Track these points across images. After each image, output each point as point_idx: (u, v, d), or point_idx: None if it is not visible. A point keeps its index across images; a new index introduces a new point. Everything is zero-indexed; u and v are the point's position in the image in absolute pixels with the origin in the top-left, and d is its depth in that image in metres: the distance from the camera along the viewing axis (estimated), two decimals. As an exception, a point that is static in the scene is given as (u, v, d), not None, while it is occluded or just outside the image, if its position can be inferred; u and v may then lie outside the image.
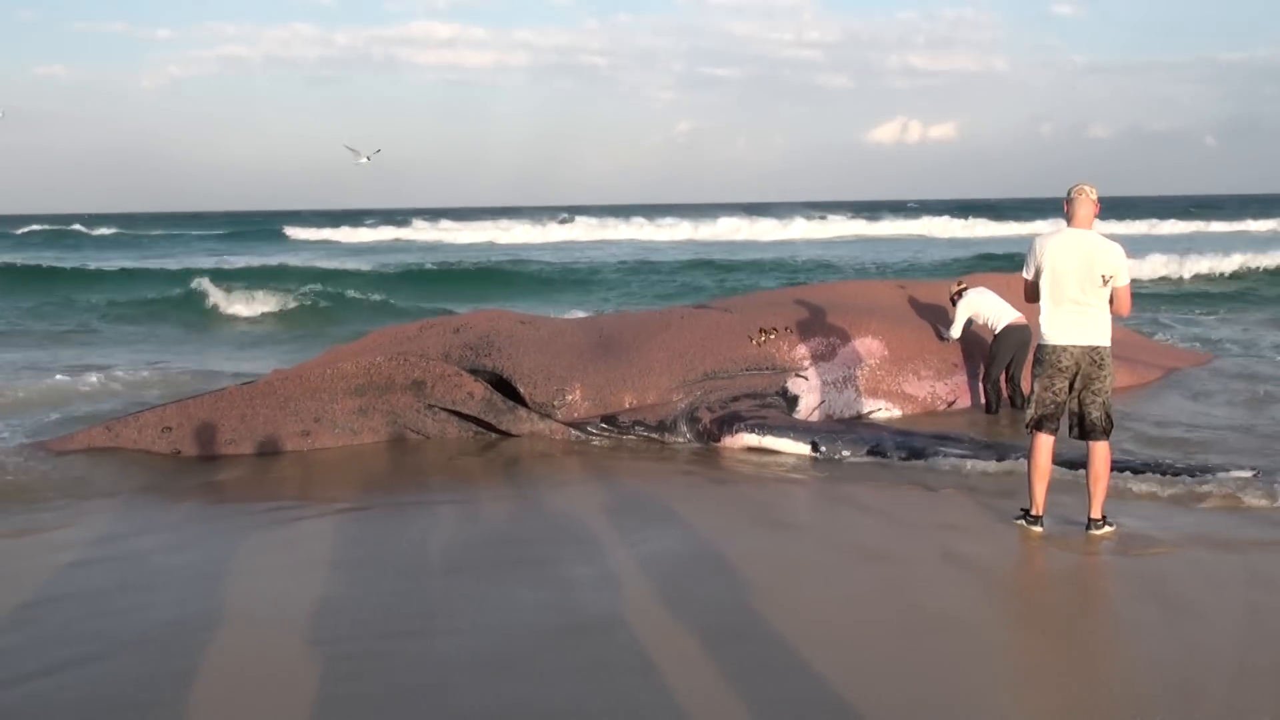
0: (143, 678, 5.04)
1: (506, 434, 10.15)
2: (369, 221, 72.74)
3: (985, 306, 11.25)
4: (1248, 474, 8.12)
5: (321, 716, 4.62)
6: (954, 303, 11.59)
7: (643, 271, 33.01)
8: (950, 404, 11.29)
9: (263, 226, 73.51)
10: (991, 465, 8.63)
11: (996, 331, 11.12)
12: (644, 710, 4.63)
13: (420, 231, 63.56)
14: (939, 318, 11.89)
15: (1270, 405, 11.12)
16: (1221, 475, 8.09)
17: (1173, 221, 58.87)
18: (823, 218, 67.36)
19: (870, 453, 9.18)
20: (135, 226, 79.44)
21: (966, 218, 64.86)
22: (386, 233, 63.01)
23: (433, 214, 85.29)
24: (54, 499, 8.18)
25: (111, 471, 9.09)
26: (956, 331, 11.35)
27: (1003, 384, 11.20)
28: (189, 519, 7.83)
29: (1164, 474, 8.14)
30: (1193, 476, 8.07)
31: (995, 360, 11.15)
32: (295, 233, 64.22)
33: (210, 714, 4.66)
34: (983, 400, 11.28)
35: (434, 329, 10.91)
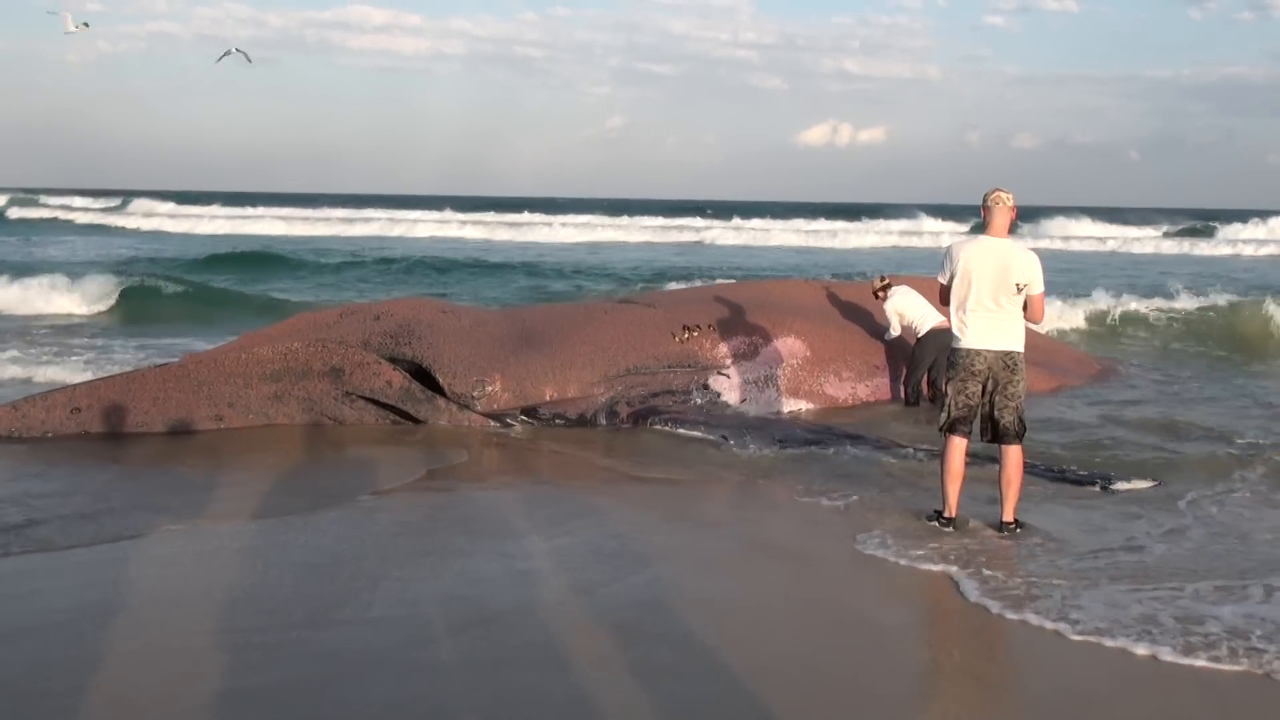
0: (41, 664, 4.93)
1: (424, 423, 10.03)
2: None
3: (910, 308, 11.28)
4: (1148, 484, 8.25)
5: (218, 707, 4.53)
6: (877, 297, 11.62)
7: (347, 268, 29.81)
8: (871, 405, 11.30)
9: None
10: (902, 463, 8.73)
11: (920, 335, 11.18)
12: (543, 707, 4.58)
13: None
14: (862, 318, 11.94)
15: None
16: (1121, 484, 8.21)
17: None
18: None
19: (779, 446, 9.26)
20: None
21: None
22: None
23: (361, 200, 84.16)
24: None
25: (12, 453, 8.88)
26: (895, 331, 11.37)
27: (924, 387, 11.27)
28: (92, 503, 7.60)
29: (1070, 483, 8.25)
30: (1093, 484, 8.19)
31: (918, 364, 11.21)
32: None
33: (108, 703, 4.56)
34: (903, 399, 11.34)
35: (354, 315, 10.77)
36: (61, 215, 61.36)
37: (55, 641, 5.18)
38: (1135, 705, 4.73)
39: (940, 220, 62.00)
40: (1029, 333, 7.23)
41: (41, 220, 58.11)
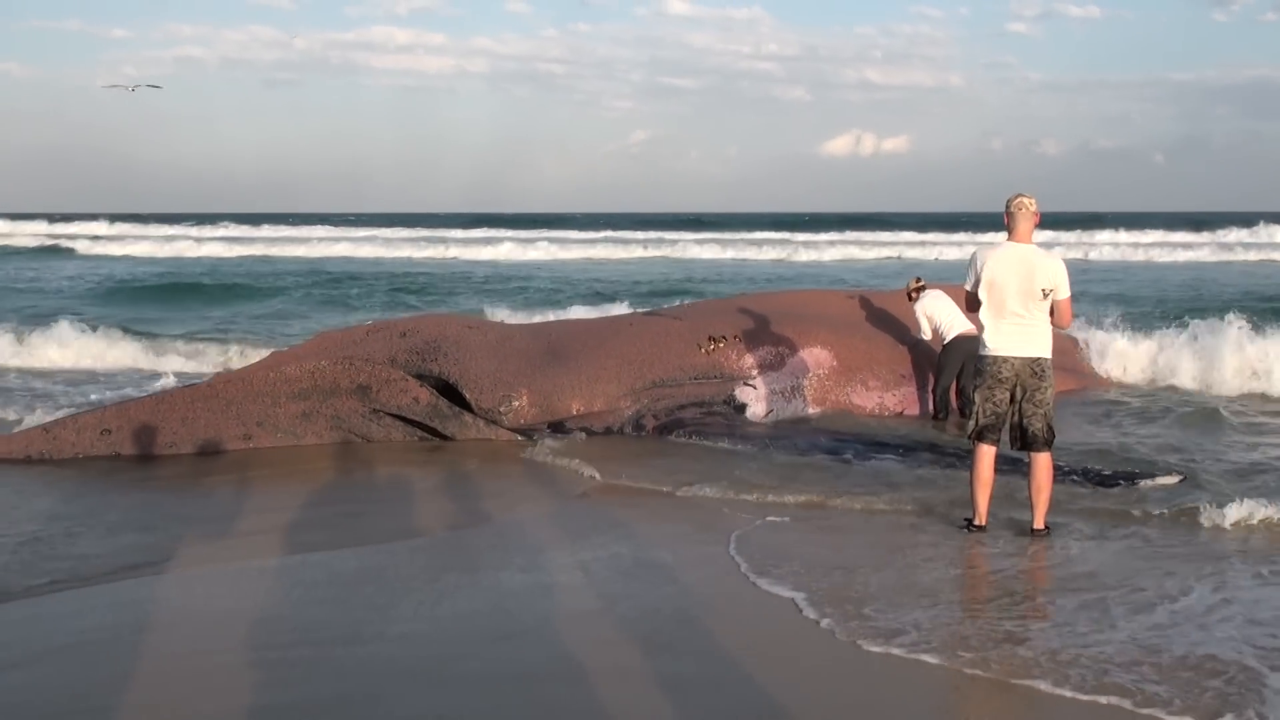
0: (74, 684, 4.93)
1: (451, 439, 10.03)
2: None
3: (940, 312, 11.17)
4: (1174, 479, 8.17)
5: None
6: (911, 299, 11.53)
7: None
8: (899, 415, 11.25)
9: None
10: (926, 471, 8.69)
11: (946, 341, 11.08)
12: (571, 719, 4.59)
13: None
14: (889, 327, 11.88)
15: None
16: (1146, 482, 8.14)
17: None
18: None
19: (803, 455, 9.28)
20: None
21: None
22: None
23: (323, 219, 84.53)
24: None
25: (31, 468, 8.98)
26: (927, 334, 11.28)
27: (952, 394, 11.15)
28: (123, 522, 7.64)
29: (1094, 481, 8.20)
30: (1118, 484, 8.12)
31: (944, 370, 11.12)
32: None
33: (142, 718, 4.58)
34: (931, 409, 11.26)
35: (380, 333, 10.79)
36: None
37: (90, 660, 5.21)
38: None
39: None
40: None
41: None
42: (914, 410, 11.32)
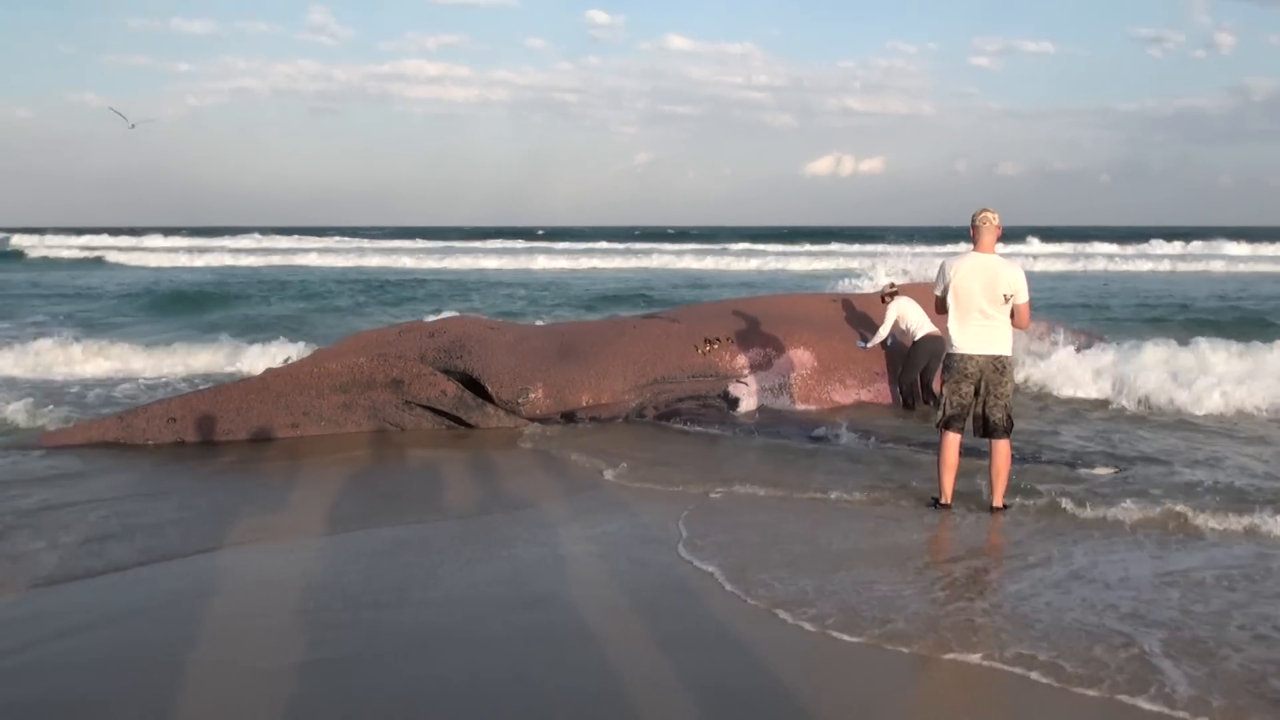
0: (150, 643, 5.25)
1: (475, 427, 10.47)
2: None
3: (910, 315, 11.61)
4: (1110, 471, 8.46)
5: (300, 674, 4.83)
6: (884, 301, 11.96)
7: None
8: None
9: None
10: (899, 453, 9.19)
11: (916, 339, 11.55)
12: (582, 675, 4.82)
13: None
14: (864, 328, 12.28)
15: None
16: (1085, 471, 8.42)
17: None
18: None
19: (784, 439, 9.79)
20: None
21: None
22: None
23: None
24: (57, 480, 8.47)
25: (110, 451, 9.32)
26: (884, 333, 11.62)
27: (917, 387, 11.67)
28: (185, 499, 8.01)
29: (1039, 463, 8.55)
30: (1062, 470, 8.43)
31: (911, 365, 11.58)
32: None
33: (211, 673, 4.89)
34: (901, 401, 11.80)
35: (411, 333, 11.17)
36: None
37: (162, 623, 5.55)
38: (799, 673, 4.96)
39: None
40: None
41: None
42: (887, 403, 11.81)
